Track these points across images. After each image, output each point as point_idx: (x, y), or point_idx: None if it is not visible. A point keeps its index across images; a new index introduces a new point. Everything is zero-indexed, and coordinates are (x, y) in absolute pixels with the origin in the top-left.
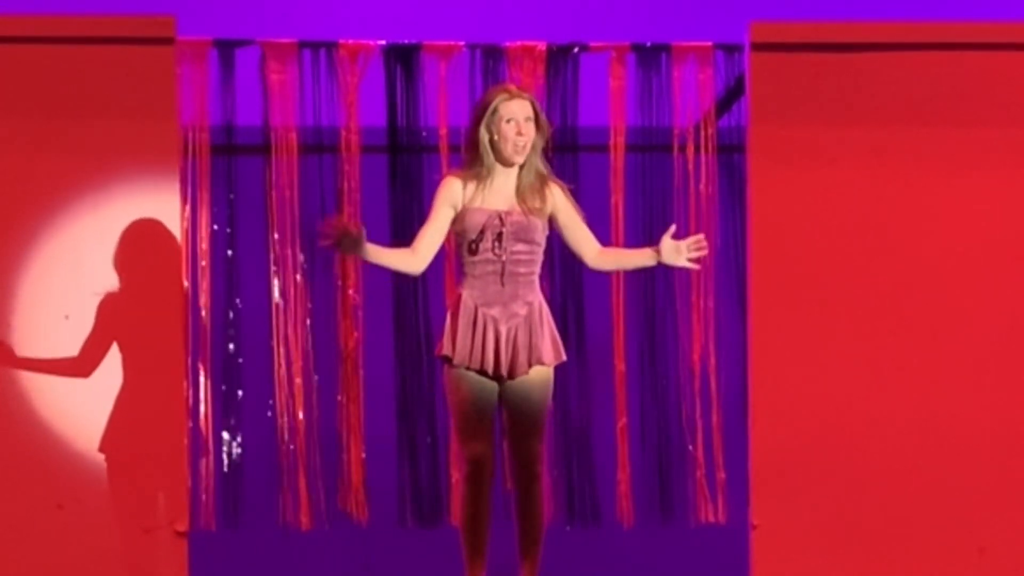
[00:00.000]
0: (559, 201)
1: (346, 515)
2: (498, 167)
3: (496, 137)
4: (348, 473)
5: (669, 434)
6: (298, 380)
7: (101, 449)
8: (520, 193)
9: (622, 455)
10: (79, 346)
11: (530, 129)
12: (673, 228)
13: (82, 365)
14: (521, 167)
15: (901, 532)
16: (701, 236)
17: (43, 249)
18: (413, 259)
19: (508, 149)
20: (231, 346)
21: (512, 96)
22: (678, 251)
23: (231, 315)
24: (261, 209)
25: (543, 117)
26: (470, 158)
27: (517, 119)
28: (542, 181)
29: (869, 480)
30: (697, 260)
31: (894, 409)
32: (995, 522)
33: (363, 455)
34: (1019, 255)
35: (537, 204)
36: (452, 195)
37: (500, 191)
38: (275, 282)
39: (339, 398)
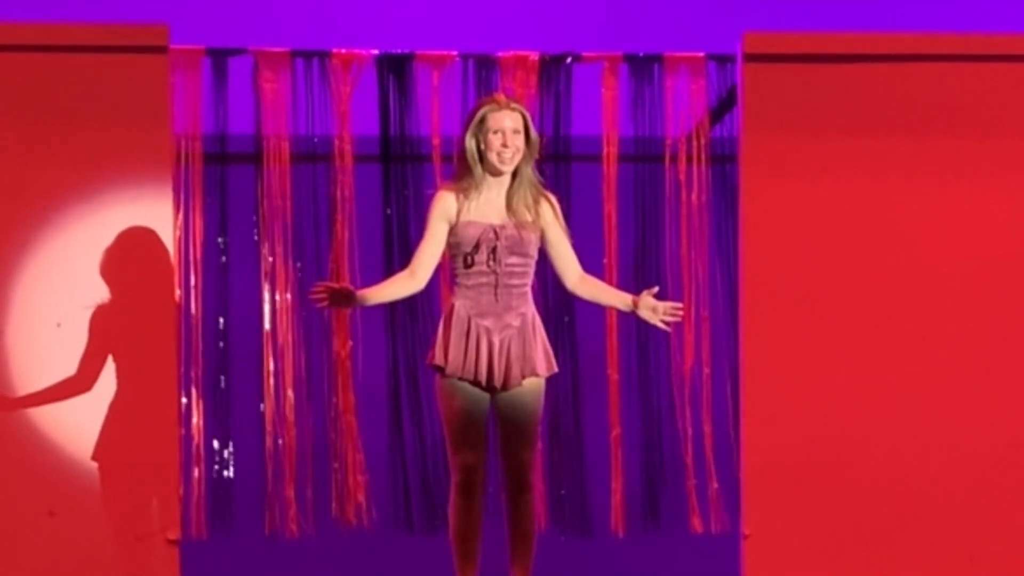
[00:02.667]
0: (548, 217)
1: (342, 523)
2: (488, 177)
3: (483, 147)
4: (344, 481)
5: (662, 443)
6: (290, 388)
7: (93, 456)
8: (512, 206)
9: (615, 464)
10: (71, 355)
11: (517, 141)
12: (656, 289)
13: (82, 380)
14: (513, 178)
15: (892, 541)
16: (679, 304)
17: (36, 257)
18: (411, 282)
19: (493, 159)
20: (223, 354)
21: (501, 107)
22: (654, 310)
23: (223, 323)
24: (253, 218)
25: (533, 131)
26: (460, 168)
27: (504, 130)
28: (535, 195)
29: (860, 489)
30: (669, 324)
31: (884, 419)
32: (985, 529)
33: (360, 462)
34: (1008, 265)
35: (529, 218)
36: (447, 209)
37: (492, 202)
38: (267, 290)
39: (333, 406)
